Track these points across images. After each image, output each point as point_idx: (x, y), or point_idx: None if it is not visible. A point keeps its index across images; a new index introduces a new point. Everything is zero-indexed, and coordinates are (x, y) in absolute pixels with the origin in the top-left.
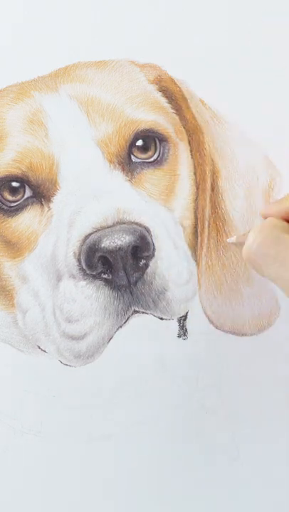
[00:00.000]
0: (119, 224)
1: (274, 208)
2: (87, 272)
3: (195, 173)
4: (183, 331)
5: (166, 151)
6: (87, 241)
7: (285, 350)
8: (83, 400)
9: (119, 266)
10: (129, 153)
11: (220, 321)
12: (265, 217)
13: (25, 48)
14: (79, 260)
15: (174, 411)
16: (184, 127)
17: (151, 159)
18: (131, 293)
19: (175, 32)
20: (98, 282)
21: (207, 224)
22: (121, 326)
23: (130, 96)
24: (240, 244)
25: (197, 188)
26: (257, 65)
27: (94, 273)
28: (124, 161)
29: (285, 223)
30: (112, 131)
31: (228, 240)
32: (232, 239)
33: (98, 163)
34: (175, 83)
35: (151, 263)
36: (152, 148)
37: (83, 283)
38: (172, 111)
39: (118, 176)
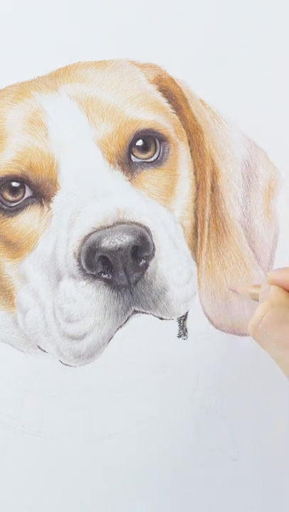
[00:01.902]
0: (119, 224)
1: (282, 275)
2: (87, 271)
3: (195, 173)
4: (183, 331)
5: (166, 151)
6: (87, 241)
7: None
8: (83, 399)
9: (119, 266)
10: (129, 153)
11: (220, 321)
12: (272, 283)
13: (25, 48)
14: (79, 260)
15: (174, 411)
16: (184, 127)
17: (151, 159)
18: (131, 293)
19: (175, 32)
20: (98, 282)
21: (207, 224)
22: (121, 326)
23: (130, 96)
24: (239, 294)
25: (197, 188)
26: (257, 65)
27: (94, 273)
28: (124, 161)
29: None
30: (112, 131)
31: (229, 288)
32: (234, 288)
33: (98, 163)
34: (175, 83)
35: (151, 263)
36: (152, 148)
37: (83, 283)
38: (172, 111)
39: (118, 176)
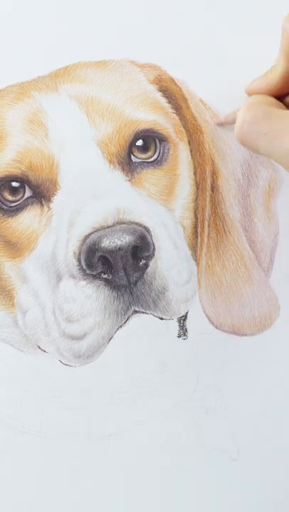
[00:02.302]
0: (119, 224)
1: (258, 84)
2: (87, 271)
3: (195, 173)
4: (183, 331)
5: (166, 151)
6: (87, 241)
7: (284, 350)
8: (83, 399)
9: (119, 266)
10: (129, 153)
11: (220, 321)
12: (250, 94)
13: (25, 48)
14: (79, 260)
15: (174, 411)
16: (184, 127)
17: (151, 159)
18: (131, 293)
19: (175, 32)
20: (98, 282)
21: (207, 224)
22: (121, 326)
23: (130, 96)
24: (228, 124)
25: (197, 188)
26: (257, 65)
27: (94, 273)
28: (124, 161)
29: (272, 99)
30: (112, 131)
31: (215, 122)
32: (219, 120)
33: (98, 163)
34: (175, 83)
35: (151, 263)
36: (152, 148)
37: (83, 283)
38: (172, 111)
39: (118, 176)
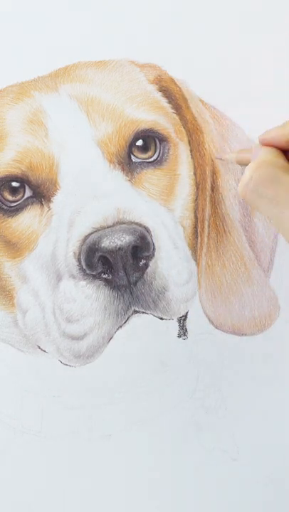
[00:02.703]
0: (119, 224)
1: (273, 135)
2: (87, 271)
3: (195, 173)
4: (183, 331)
5: (166, 151)
6: (87, 241)
7: (284, 350)
8: (83, 399)
9: (119, 266)
10: (129, 153)
11: (220, 321)
12: (263, 144)
13: (25, 47)
14: (79, 260)
15: (174, 411)
16: (184, 127)
17: (151, 159)
18: (131, 293)
19: (175, 32)
20: (98, 282)
21: (207, 224)
22: (121, 326)
23: (130, 96)
24: (228, 162)
25: (197, 188)
26: (257, 65)
27: (94, 273)
28: (124, 161)
29: (283, 161)
30: (112, 131)
31: (216, 156)
32: (220, 155)
33: (98, 163)
34: (175, 83)
35: (151, 263)
36: (152, 148)
37: (83, 283)
38: (172, 111)
39: (118, 176)
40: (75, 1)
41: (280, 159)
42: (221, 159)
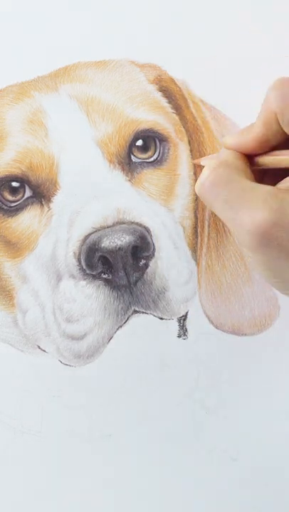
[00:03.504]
0: (119, 224)
1: (233, 140)
2: (87, 271)
3: (195, 173)
4: (183, 331)
5: (166, 151)
6: (87, 241)
7: (284, 350)
8: (83, 399)
9: (119, 266)
10: (129, 153)
11: (220, 321)
12: (227, 147)
13: (25, 47)
14: (79, 260)
15: (174, 411)
16: (184, 127)
17: (151, 159)
18: (131, 293)
19: (175, 32)
20: (98, 282)
21: (207, 224)
22: (121, 326)
23: (130, 96)
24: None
25: None
26: (257, 65)
27: (94, 273)
28: (124, 160)
29: (243, 164)
30: (112, 131)
31: (193, 161)
32: (198, 161)
33: (98, 163)
34: (175, 83)
35: (151, 263)
36: (152, 148)
37: (83, 283)
38: (172, 111)
39: (118, 176)
40: (75, 1)
41: (241, 162)
42: (198, 163)
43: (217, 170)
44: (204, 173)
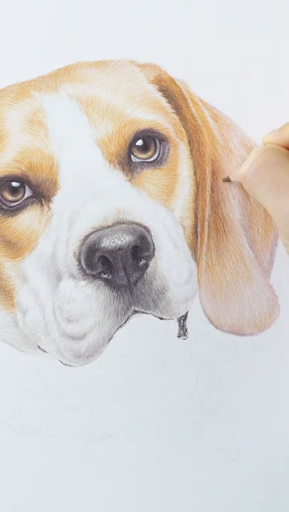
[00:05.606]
0: (119, 224)
1: (272, 137)
2: (87, 271)
3: (195, 173)
4: (183, 331)
5: (166, 151)
6: (87, 241)
7: (284, 350)
8: (83, 399)
9: (119, 266)
10: (129, 153)
11: (220, 321)
12: (265, 142)
13: (25, 48)
14: (79, 260)
15: (174, 411)
16: (184, 127)
17: (151, 159)
18: (131, 293)
19: (175, 32)
20: (98, 282)
21: (207, 224)
22: (121, 326)
23: (130, 96)
24: (235, 180)
25: (197, 188)
26: (257, 65)
27: (94, 273)
28: (124, 160)
29: (286, 151)
30: (112, 131)
31: (223, 179)
32: (227, 177)
33: (98, 163)
34: (175, 83)
35: (151, 263)
36: (152, 148)
37: (83, 283)
38: (172, 111)
39: (118, 176)
40: (75, 1)
41: (284, 149)
42: (228, 181)
43: (264, 154)
44: (251, 157)
